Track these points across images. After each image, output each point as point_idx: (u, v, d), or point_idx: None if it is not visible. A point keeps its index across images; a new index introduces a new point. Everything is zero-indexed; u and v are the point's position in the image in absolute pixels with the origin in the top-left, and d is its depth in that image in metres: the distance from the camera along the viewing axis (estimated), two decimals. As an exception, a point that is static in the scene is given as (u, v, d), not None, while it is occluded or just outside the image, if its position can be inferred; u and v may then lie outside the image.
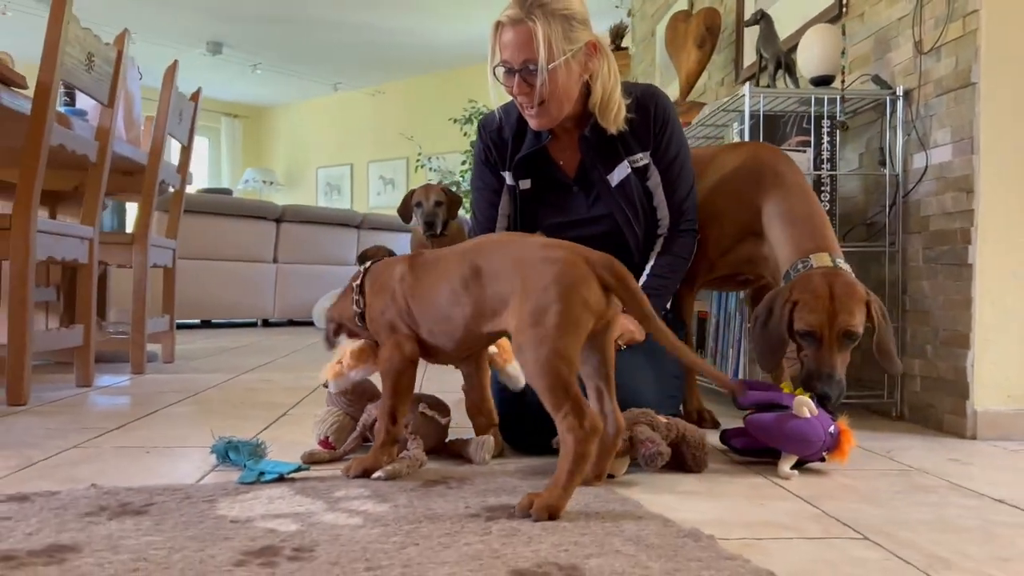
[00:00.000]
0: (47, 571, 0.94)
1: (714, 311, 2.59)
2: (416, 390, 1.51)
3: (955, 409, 2.00)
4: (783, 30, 2.77)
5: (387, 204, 9.55)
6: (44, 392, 2.44)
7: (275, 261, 6.21)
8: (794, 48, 2.56)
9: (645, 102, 1.85)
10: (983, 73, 1.94)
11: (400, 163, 10.14)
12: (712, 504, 1.31)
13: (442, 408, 1.64)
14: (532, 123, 1.80)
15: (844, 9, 2.53)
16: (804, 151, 2.32)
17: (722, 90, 3.63)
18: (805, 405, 1.54)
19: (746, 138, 2.31)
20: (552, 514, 1.16)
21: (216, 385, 2.70)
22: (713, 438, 1.80)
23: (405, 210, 3.95)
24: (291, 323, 6.57)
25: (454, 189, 6.79)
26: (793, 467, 1.53)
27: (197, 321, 6.08)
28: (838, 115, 2.32)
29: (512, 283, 1.27)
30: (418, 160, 9.31)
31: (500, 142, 1.91)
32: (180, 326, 5.59)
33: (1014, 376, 1.95)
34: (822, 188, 2.31)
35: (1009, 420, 1.94)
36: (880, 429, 2.07)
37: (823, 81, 2.35)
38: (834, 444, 1.54)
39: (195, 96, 3.49)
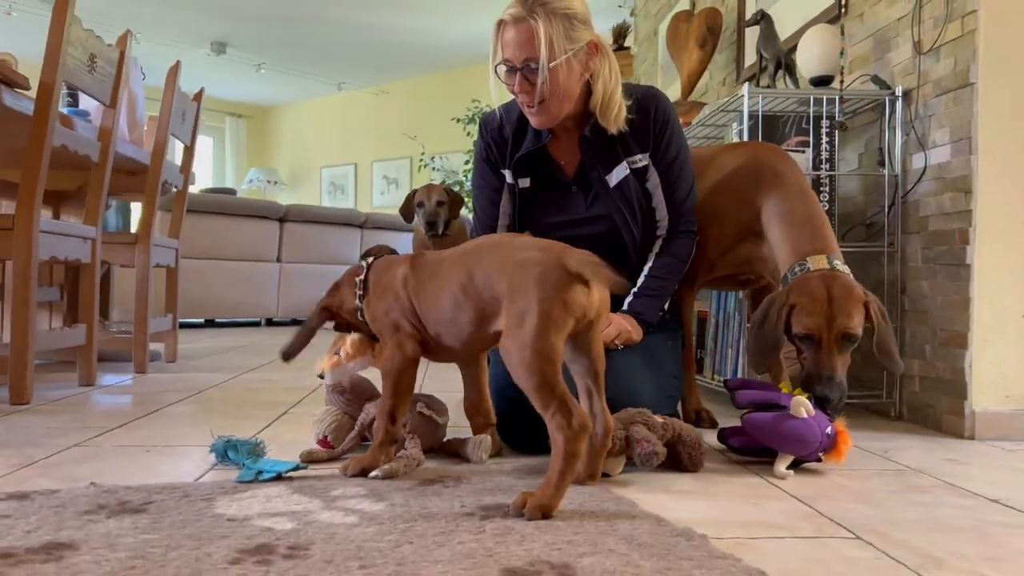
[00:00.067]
0: (44, 568, 0.95)
1: (713, 311, 2.60)
2: (415, 390, 1.52)
3: (953, 409, 2.00)
4: (783, 30, 2.77)
5: (391, 204, 9.54)
6: (47, 391, 2.46)
7: (279, 260, 6.23)
8: (794, 48, 2.56)
9: (646, 104, 1.85)
10: (982, 73, 1.94)
11: (404, 163, 10.15)
12: (707, 503, 1.32)
13: (440, 407, 1.65)
14: (533, 121, 1.81)
15: (844, 9, 2.53)
16: (803, 151, 2.32)
17: (723, 90, 3.63)
18: (802, 405, 1.54)
19: (745, 138, 2.31)
20: (545, 513, 1.17)
21: (217, 384, 2.72)
22: (711, 437, 1.80)
23: (407, 210, 3.95)
24: (295, 322, 6.58)
25: (457, 189, 6.80)
26: (789, 467, 1.53)
27: (201, 320, 6.10)
28: (837, 115, 2.32)
29: (500, 286, 1.29)
30: (422, 160, 9.32)
31: (501, 140, 1.92)
32: (184, 325, 5.61)
33: (1012, 376, 1.96)
34: (821, 188, 2.31)
35: (1007, 420, 1.94)
36: (879, 429, 2.07)
37: (823, 81, 2.35)
38: (831, 445, 1.54)
39: (197, 96, 3.50)
